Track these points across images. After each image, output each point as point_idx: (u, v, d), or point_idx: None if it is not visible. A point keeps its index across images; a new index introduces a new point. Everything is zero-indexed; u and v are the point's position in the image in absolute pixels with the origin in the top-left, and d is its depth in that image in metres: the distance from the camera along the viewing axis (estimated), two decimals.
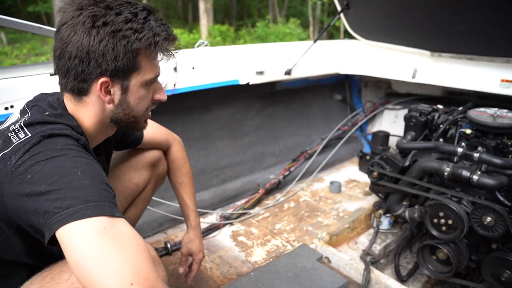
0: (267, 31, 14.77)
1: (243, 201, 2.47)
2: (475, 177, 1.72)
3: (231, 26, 15.87)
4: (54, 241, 0.82)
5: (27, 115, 1.00)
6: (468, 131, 1.97)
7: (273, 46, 2.83)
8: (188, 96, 2.30)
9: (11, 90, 1.69)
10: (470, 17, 2.28)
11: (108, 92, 1.02)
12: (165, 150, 1.62)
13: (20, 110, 1.05)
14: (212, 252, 1.99)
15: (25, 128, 0.94)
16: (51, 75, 1.80)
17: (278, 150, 2.99)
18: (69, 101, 1.05)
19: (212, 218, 2.28)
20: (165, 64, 1.08)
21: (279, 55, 2.76)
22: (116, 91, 1.02)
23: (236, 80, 2.51)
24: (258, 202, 2.48)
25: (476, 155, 1.79)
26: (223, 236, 2.14)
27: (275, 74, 2.71)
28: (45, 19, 13.86)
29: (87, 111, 1.04)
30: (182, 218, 2.17)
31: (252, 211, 2.37)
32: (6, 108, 1.67)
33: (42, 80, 1.77)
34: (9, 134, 0.94)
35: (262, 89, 2.82)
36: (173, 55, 1.08)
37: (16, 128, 0.95)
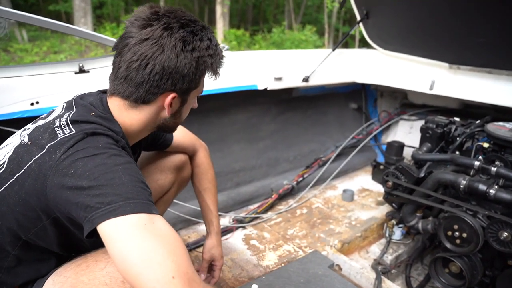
0: (283, 37, 14.81)
1: (256, 205, 2.49)
2: (492, 191, 1.71)
3: (246, 31, 15.94)
4: (92, 234, 0.86)
5: (72, 112, 1.04)
6: (486, 144, 1.96)
7: (292, 53, 2.85)
8: (206, 99, 2.33)
9: (37, 86, 1.74)
10: (490, 30, 2.27)
11: (171, 104, 1.09)
12: (191, 155, 1.65)
13: (65, 106, 1.10)
14: (224, 254, 2.00)
15: (70, 125, 0.98)
16: (76, 73, 1.84)
17: (293, 156, 3.00)
18: (117, 105, 1.09)
19: (225, 221, 2.30)
20: (208, 80, 1.17)
21: (297, 62, 2.78)
22: (177, 103, 1.12)
23: (254, 85, 2.53)
24: (271, 207, 2.49)
25: (493, 169, 1.79)
26: (235, 239, 2.15)
27: (293, 80, 2.73)
28: (65, 18, 14.07)
29: (138, 116, 1.10)
30: (196, 219, 2.20)
31: (264, 216, 2.39)
32: (32, 104, 1.71)
33: (68, 78, 1.82)
34: (55, 128, 0.98)
35: (279, 95, 2.83)
36: (219, 74, 1.16)
37: (62, 124, 0.99)
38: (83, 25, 11.22)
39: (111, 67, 1.09)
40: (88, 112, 1.05)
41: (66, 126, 0.99)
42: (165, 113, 1.12)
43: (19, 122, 1.63)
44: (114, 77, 1.07)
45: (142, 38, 1.00)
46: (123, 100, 1.08)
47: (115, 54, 1.06)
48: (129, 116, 1.09)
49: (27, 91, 1.71)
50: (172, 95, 1.07)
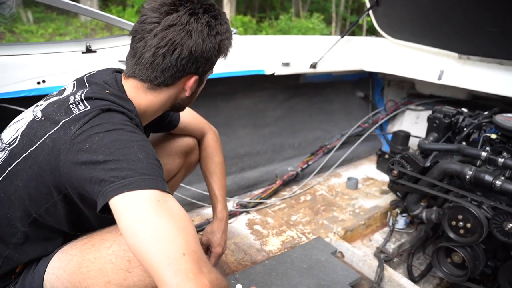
0: (290, 25, 14.67)
1: (260, 190, 2.49)
2: (498, 183, 1.70)
3: (253, 18, 15.80)
4: (105, 209, 0.86)
5: (86, 89, 1.04)
6: (493, 136, 1.95)
7: (300, 39, 2.83)
8: (213, 83, 2.31)
9: (44, 65, 1.73)
10: (502, 21, 2.24)
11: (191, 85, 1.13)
12: (199, 138, 1.64)
13: (76, 84, 1.10)
14: (228, 238, 2.01)
15: (85, 101, 0.99)
16: (83, 52, 1.83)
17: (298, 142, 2.99)
18: (134, 86, 1.10)
19: (229, 205, 2.30)
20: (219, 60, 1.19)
21: (305, 48, 2.76)
22: (195, 84, 1.15)
23: (261, 70, 2.51)
24: (275, 192, 2.49)
25: (500, 160, 1.78)
26: (239, 224, 2.16)
27: (300, 66, 2.71)
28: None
29: (157, 98, 1.12)
30: (200, 203, 2.21)
31: (268, 201, 2.39)
32: (39, 83, 1.71)
33: (75, 57, 1.81)
34: (70, 105, 0.99)
35: (286, 81, 2.82)
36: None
37: (76, 100, 0.99)
38: (89, 7, 11.13)
39: (125, 48, 1.10)
40: (103, 89, 1.05)
41: (81, 102, 0.99)
42: (185, 94, 1.15)
43: (25, 100, 1.63)
44: (135, 61, 1.07)
45: (169, 24, 1.01)
46: (142, 82, 1.09)
47: (136, 39, 1.05)
48: (146, 97, 1.11)
49: (34, 70, 1.70)
50: (195, 77, 1.11)
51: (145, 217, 0.82)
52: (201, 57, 1.06)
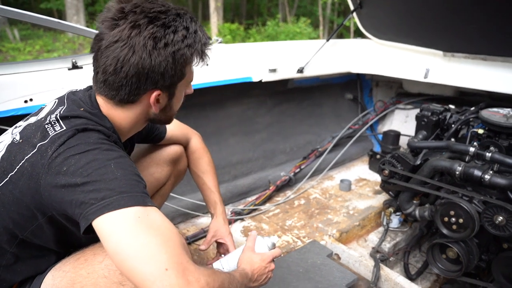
0: (277, 30, 14.76)
1: (254, 197, 2.50)
2: (487, 177, 1.72)
3: (241, 25, 15.88)
4: (88, 230, 0.86)
5: (63, 108, 1.03)
6: (481, 131, 1.97)
7: (286, 44, 2.85)
8: (202, 92, 2.32)
9: (31, 84, 1.73)
10: (484, 17, 2.27)
11: (157, 101, 1.07)
12: (185, 145, 1.65)
13: (57, 102, 1.08)
14: None
15: (60, 121, 0.98)
16: (69, 69, 1.84)
17: (289, 147, 3.01)
18: (105, 104, 1.07)
19: None
20: (199, 68, 1.12)
21: (292, 53, 2.78)
22: (164, 98, 1.08)
23: (249, 77, 2.53)
24: (268, 198, 2.50)
25: (488, 154, 1.80)
26: (234, 231, 2.16)
27: (287, 72, 2.73)
28: (57, 15, 13.98)
29: (127, 115, 1.08)
30: (194, 213, 2.21)
31: (263, 207, 2.40)
32: (26, 101, 1.71)
33: (61, 74, 1.81)
34: (46, 126, 0.97)
35: (274, 87, 2.83)
36: (209, 58, 1.11)
37: (52, 121, 0.99)
38: (76, 23, 11.15)
39: None
40: (78, 107, 1.04)
41: (56, 122, 0.98)
42: (153, 110, 1.09)
43: (13, 120, 1.62)
44: (95, 79, 1.05)
45: (112, 41, 0.96)
46: (107, 99, 1.06)
47: (93, 56, 1.03)
48: (117, 113, 1.08)
49: (20, 89, 1.70)
50: (156, 92, 1.04)
51: (126, 237, 0.82)
52: (152, 72, 0.98)
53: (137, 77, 0.98)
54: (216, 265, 1.37)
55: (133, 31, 0.95)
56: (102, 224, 0.84)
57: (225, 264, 1.37)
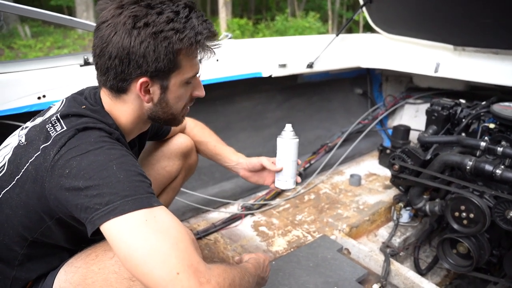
0: (286, 25, 14.70)
1: (264, 192, 2.50)
2: (498, 171, 1.71)
3: (249, 20, 15.84)
4: (96, 233, 0.86)
5: (63, 106, 1.04)
6: (492, 125, 1.96)
7: (295, 39, 2.85)
8: (212, 87, 2.34)
9: (43, 80, 1.75)
10: (496, 10, 2.25)
11: (147, 91, 1.02)
12: (183, 129, 1.65)
13: (64, 101, 1.09)
14: (234, 241, 2.04)
15: (61, 120, 0.98)
16: (81, 65, 1.86)
17: (299, 142, 3.00)
18: (106, 97, 1.07)
19: (234, 208, 2.33)
20: (205, 62, 1.08)
21: (301, 48, 2.78)
22: (155, 90, 1.03)
23: (259, 72, 2.53)
24: (278, 193, 2.51)
25: (499, 149, 1.79)
26: (244, 226, 2.18)
27: (297, 67, 2.73)
28: (67, 12, 14.07)
29: (125, 108, 1.07)
30: (205, 208, 2.23)
31: (273, 202, 2.41)
32: (39, 98, 1.73)
33: (73, 70, 1.83)
34: (47, 126, 0.98)
35: (284, 82, 2.84)
36: (214, 52, 1.07)
37: (53, 120, 0.99)
38: (86, 19, 11.20)
39: None
40: (80, 104, 1.04)
41: (57, 122, 0.98)
42: (145, 102, 1.05)
43: (27, 116, 1.65)
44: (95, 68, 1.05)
45: (101, 21, 0.96)
46: (107, 90, 1.05)
47: None
48: (117, 109, 1.07)
49: (33, 85, 1.72)
50: (142, 79, 0.99)
51: (134, 243, 0.82)
52: (132, 53, 0.94)
53: (119, 59, 0.95)
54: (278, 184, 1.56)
55: (117, 11, 0.95)
56: (109, 230, 0.84)
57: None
